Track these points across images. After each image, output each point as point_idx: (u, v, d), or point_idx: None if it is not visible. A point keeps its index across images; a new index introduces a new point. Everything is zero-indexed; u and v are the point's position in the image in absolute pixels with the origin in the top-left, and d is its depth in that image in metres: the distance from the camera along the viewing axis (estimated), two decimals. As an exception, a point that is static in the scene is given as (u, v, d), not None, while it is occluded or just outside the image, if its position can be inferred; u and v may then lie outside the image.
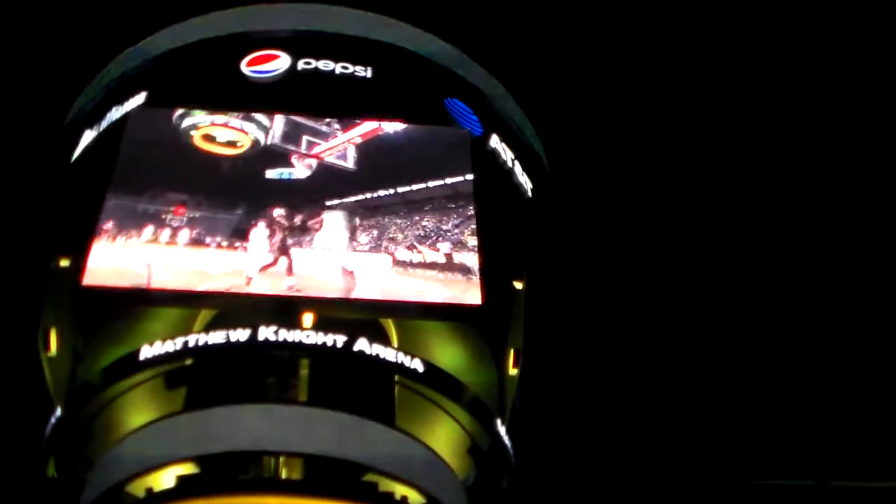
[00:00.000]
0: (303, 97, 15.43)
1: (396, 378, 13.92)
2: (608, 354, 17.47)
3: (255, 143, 15.36)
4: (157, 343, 13.39)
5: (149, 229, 14.36)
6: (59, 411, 13.74)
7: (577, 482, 18.23)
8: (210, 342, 13.30)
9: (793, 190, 16.74)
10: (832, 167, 16.37)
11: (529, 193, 15.55)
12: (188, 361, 13.57)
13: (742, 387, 17.85)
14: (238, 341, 13.23)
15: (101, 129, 15.47)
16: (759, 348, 17.58)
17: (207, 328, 14.13)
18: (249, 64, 15.28)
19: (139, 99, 15.45)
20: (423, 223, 14.90)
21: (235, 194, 14.75)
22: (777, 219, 16.96)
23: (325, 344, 13.28)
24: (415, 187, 15.00)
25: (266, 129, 15.37)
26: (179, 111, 15.15)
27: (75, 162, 15.66)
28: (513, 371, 14.37)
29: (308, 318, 14.02)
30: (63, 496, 13.70)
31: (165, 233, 14.43)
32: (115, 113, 15.40)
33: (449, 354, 14.80)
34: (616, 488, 18.28)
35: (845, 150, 16.22)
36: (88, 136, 15.63)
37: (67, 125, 16.18)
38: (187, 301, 14.17)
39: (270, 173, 15.04)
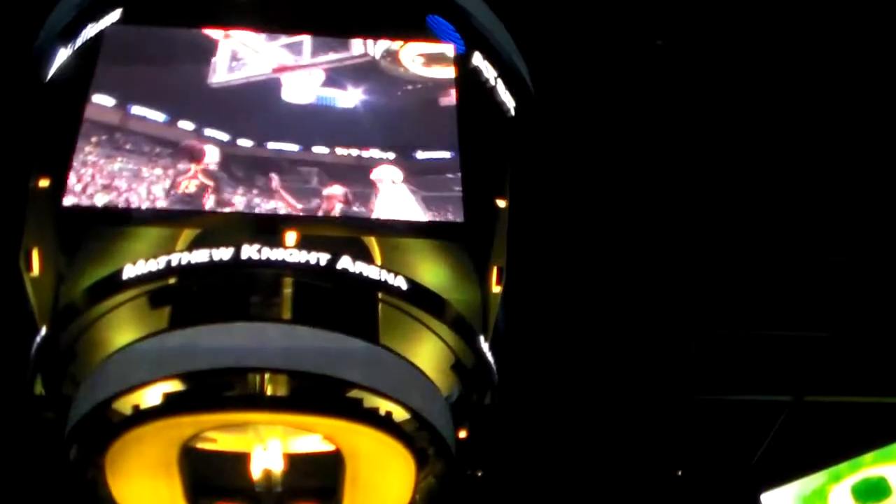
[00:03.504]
0: (282, 13, 15.19)
1: (380, 296, 14.03)
2: (589, 271, 17.60)
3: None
4: (140, 262, 13.38)
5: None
6: (43, 331, 13.78)
7: (555, 399, 18.51)
8: (193, 261, 13.30)
9: (778, 110, 16.73)
10: (819, 86, 16.34)
11: (512, 112, 15.47)
12: (172, 280, 13.63)
13: (718, 303, 18.07)
14: (221, 260, 13.25)
15: (75, 47, 15.19)
16: (736, 263, 17.74)
17: (190, 247, 14.17)
18: (228, -22, 15.00)
19: (114, 16, 15.16)
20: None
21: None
22: (761, 136, 16.97)
23: (308, 262, 13.32)
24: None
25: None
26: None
27: (50, 81, 15.41)
28: (496, 288, 14.47)
29: (291, 237, 14.08)
30: (51, 413, 13.85)
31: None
32: (90, 30, 15.11)
33: (432, 272, 14.90)
34: (593, 405, 18.58)
35: (834, 69, 16.17)
36: (63, 55, 15.35)
37: (39, 44, 15.86)
38: (169, 220, 14.16)
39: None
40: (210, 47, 15.40)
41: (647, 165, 16.99)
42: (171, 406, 13.06)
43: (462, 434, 14.60)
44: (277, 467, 13.79)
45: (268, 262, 13.32)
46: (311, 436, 13.88)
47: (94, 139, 14.20)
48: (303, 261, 13.34)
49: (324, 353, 13.15)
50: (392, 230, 14.40)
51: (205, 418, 13.33)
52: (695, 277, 17.92)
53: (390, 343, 13.84)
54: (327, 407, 13.25)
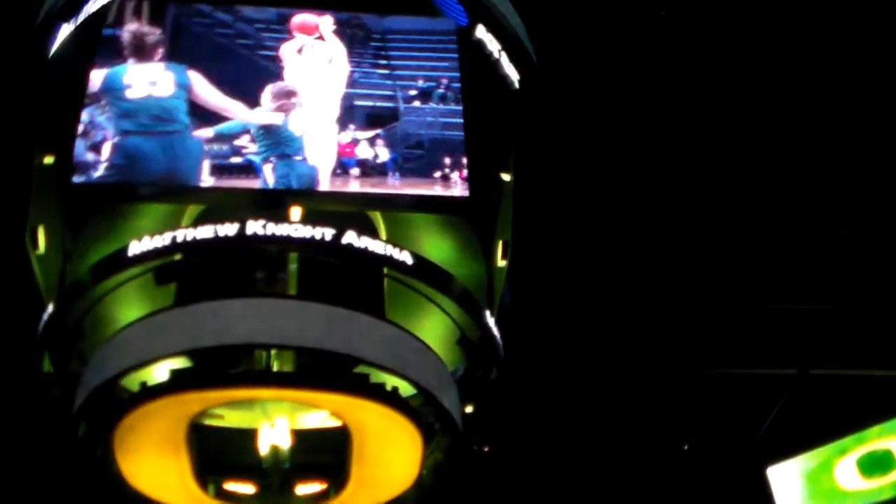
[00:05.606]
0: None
1: (385, 271, 14.02)
2: (595, 245, 17.57)
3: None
4: (146, 238, 13.37)
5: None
6: (50, 308, 13.80)
7: (562, 374, 18.53)
8: (198, 237, 13.27)
9: (781, 82, 16.63)
10: (823, 60, 16.22)
11: (516, 85, 15.37)
12: (177, 257, 13.61)
13: (722, 278, 18.04)
14: (226, 236, 13.22)
15: (78, 23, 15.10)
16: (741, 237, 17.70)
17: (195, 223, 14.14)
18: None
19: (116, -9, 15.04)
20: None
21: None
22: (762, 109, 16.88)
23: (313, 237, 13.29)
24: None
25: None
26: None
27: (53, 57, 15.33)
28: (501, 263, 14.43)
29: (296, 212, 14.05)
30: (59, 390, 13.87)
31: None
32: (92, 5, 15.01)
33: (438, 247, 14.88)
34: (599, 380, 18.60)
35: (836, 41, 16.04)
36: (66, 31, 15.26)
37: (42, 20, 15.76)
38: (174, 196, 14.12)
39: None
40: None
41: (652, 138, 16.92)
42: (178, 382, 13.05)
43: (468, 409, 14.63)
44: (285, 443, 13.82)
45: (273, 238, 13.28)
46: (318, 412, 13.91)
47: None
48: (308, 236, 13.30)
49: (330, 329, 13.11)
50: (396, 205, 14.35)
51: (212, 395, 13.34)
52: (700, 252, 17.88)
53: (396, 318, 13.81)
54: (334, 383, 13.23)
